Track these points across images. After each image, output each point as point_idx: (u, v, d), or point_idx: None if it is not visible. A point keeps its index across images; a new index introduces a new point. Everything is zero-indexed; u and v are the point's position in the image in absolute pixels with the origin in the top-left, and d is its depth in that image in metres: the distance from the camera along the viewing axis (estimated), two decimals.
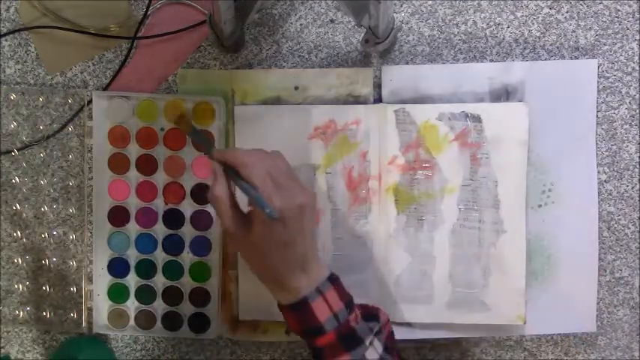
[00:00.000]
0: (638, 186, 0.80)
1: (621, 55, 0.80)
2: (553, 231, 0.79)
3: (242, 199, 0.65)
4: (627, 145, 0.80)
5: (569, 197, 0.79)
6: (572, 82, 0.79)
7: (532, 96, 0.79)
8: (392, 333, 0.69)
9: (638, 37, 0.80)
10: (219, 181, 0.64)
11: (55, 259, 0.82)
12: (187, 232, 0.81)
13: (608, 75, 0.80)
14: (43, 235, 0.82)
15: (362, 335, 0.64)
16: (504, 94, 0.79)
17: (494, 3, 0.80)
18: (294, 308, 0.64)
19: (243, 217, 0.65)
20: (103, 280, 0.81)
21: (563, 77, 0.79)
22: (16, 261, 0.82)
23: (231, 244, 0.67)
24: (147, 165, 0.81)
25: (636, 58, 0.80)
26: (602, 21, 0.80)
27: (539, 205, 0.79)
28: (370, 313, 0.67)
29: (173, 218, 0.81)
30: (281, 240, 0.62)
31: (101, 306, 0.82)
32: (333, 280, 0.66)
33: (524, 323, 0.78)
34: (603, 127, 0.80)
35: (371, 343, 0.64)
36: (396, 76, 0.79)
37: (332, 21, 0.81)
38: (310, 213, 0.65)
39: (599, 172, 0.80)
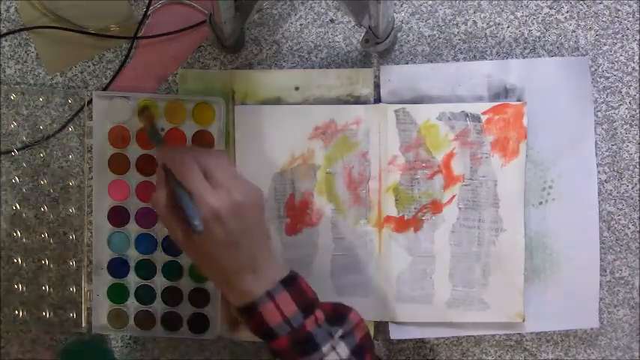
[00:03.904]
0: (638, 186, 0.80)
1: (621, 55, 0.80)
2: (554, 228, 0.79)
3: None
4: (627, 145, 0.80)
5: (569, 194, 0.79)
6: (567, 80, 0.79)
7: (531, 94, 0.79)
8: (367, 334, 0.66)
9: (638, 37, 0.80)
10: (160, 185, 0.62)
11: (54, 260, 0.82)
12: None
13: (608, 75, 0.80)
14: (43, 235, 0.82)
15: (319, 340, 0.61)
16: (503, 93, 0.79)
17: (494, 3, 0.80)
18: (245, 312, 0.62)
19: (186, 220, 0.61)
20: (102, 281, 0.81)
21: (559, 75, 0.79)
22: (16, 261, 0.82)
23: (180, 247, 0.64)
24: (147, 165, 0.81)
25: (636, 58, 0.80)
26: (602, 21, 0.80)
27: (540, 203, 0.79)
28: (338, 315, 0.64)
29: None
30: (223, 241, 0.60)
31: (101, 306, 0.82)
32: (289, 281, 0.63)
33: (523, 321, 0.78)
34: (603, 127, 0.80)
35: (333, 348, 0.61)
36: (395, 76, 0.79)
37: (332, 21, 0.81)
38: (255, 211, 0.63)
39: (599, 172, 0.80)
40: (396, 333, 0.79)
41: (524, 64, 0.79)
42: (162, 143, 0.70)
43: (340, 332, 0.63)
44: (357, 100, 0.80)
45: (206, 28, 0.77)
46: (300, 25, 0.81)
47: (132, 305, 0.82)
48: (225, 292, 0.64)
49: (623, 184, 0.80)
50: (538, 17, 0.80)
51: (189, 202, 0.60)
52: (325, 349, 0.61)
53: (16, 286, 0.82)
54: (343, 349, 0.62)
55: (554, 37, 0.80)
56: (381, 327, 0.80)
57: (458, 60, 0.80)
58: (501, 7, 0.80)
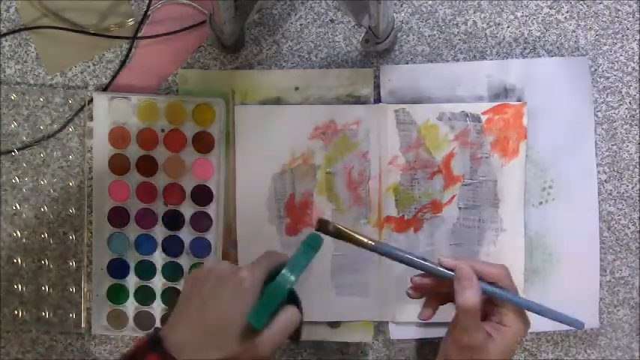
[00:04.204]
0: (638, 186, 0.80)
1: (621, 55, 0.80)
2: (554, 228, 0.79)
3: None
4: (627, 145, 0.80)
5: (569, 194, 0.79)
6: (567, 80, 0.79)
7: (531, 94, 0.79)
8: None
9: (638, 37, 0.80)
10: (472, 288, 0.61)
11: (54, 260, 0.82)
12: (187, 233, 0.81)
13: (608, 75, 0.80)
14: (43, 235, 0.82)
15: None
16: (503, 93, 0.79)
17: (494, 3, 0.80)
18: None
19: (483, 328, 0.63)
20: (102, 281, 0.81)
21: (559, 75, 0.79)
22: (16, 261, 0.82)
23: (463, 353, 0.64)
24: (147, 166, 0.80)
25: (636, 58, 0.80)
26: (602, 21, 0.80)
27: (540, 203, 0.79)
28: None
29: (173, 220, 0.81)
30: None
31: (100, 307, 0.82)
32: None
33: None
34: (603, 127, 0.80)
35: None
36: (394, 76, 0.80)
37: (332, 21, 0.81)
38: None
39: (599, 172, 0.80)
40: (396, 333, 0.79)
41: (524, 64, 0.79)
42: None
43: None
44: (357, 100, 0.80)
45: (206, 28, 0.77)
46: (300, 25, 0.81)
47: (131, 306, 0.82)
48: None
49: (623, 184, 0.80)
50: (538, 17, 0.80)
51: (516, 298, 0.65)
52: None
53: (16, 286, 0.82)
54: None
55: (554, 37, 0.80)
56: (381, 327, 0.80)
57: (458, 60, 0.80)
58: (501, 7, 0.80)
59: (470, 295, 0.61)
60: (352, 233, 0.65)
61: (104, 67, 0.82)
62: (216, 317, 0.59)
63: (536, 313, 0.65)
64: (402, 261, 0.64)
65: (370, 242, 0.65)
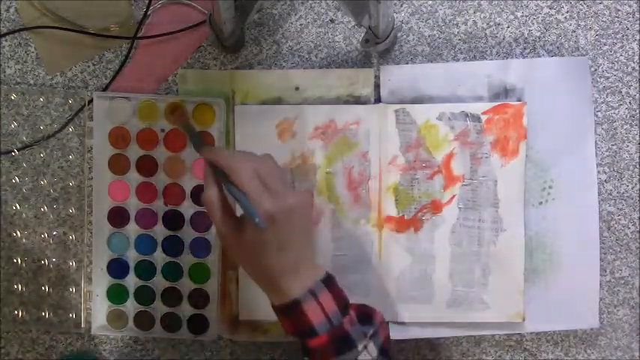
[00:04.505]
0: (638, 186, 0.80)
1: (621, 55, 0.80)
2: (554, 228, 0.79)
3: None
4: (627, 145, 0.80)
5: (569, 194, 0.79)
6: (567, 80, 0.79)
7: (531, 94, 0.79)
8: (389, 334, 0.68)
9: (638, 37, 0.80)
10: (210, 184, 0.63)
11: (54, 260, 0.82)
12: (187, 233, 0.81)
13: (608, 75, 0.80)
14: (43, 235, 0.82)
15: (355, 339, 0.63)
16: (503, 93, 0.79)
17: (494, 3, 0.80)
18: (287, 310, 0.63)
19: (236, 219, 0.64)
20: (102, 281, 0.81)
21: (559, 75, 0.79)
22: (16, 261, 0.82)
23: (224, 246, 0.66)
24: (147, 166, 0.81)
25: (636, 58, 0.80)
26: (602, 21, 0.80)
27: (540, 203, 0.79)
28: (365, 315, 0.66)
29: (173, 219, 0.81)
30: (273, 243, 0.62)
31: (100, 307, 0.82)
32: (328, 281, 0.64)
33: (523, 320, 0.78)
34: (603, 127, 0.80)
35: (365, 347, 0.63)
36: (394, 76, 0.80)
37: (332, 21, 0.81)
38: (303, 214, 0.64)
39: (599, 172, 0.80)
40: (396, 333, 0.79)
41: (524, 64, 0.79)
42: (204, 144, 0.69)
43: (371, 332, 0.64)
44: (358, 101, 0.80)
45: (206, 28, 0.77)
46: (300, 25, 0.81)
47: (131, 306, 0.82)
48: (266, 290, 0.65)
49: (623, 184, 0.80)
50: (538, 17, 0.80)
51: (246, 201, 0.61)
52: (360, 347, 0.63)
53: (16, 286, 0.82)
54: (372, 349, 0.63)
55: (554, 37, 0.80)
56: None
57: (458, 60, 0.80)
58: (501, 7, 0.80)
59: (204, 191, 0.63)
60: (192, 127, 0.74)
61: (104, 67, 0.82)
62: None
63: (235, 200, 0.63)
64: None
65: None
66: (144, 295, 0.81)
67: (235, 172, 0.61)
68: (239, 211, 0.64)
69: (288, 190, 0.63)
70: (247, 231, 0.62)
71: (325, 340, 0.62)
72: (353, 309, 0.65)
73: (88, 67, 0.82)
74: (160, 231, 0.81)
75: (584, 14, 0.80)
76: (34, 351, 0.83)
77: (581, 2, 0.80)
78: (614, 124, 0.80)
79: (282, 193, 0.61)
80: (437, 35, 0.80)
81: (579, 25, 0.80)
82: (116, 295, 0.81)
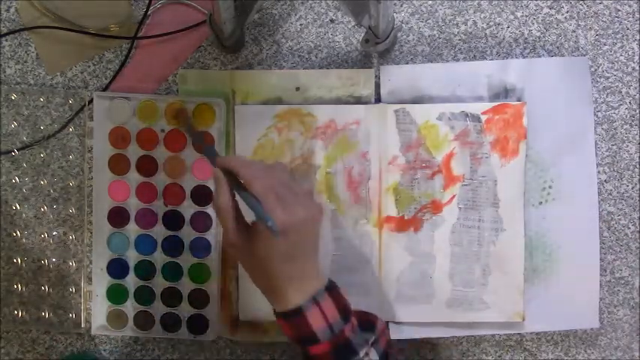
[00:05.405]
0: (638, 186, 0.80)
1: (621, 55, 0.80)
2: (554, 228, 0.79)
3: (247, 210, 0.63)
4: (627, 145, 0.80)
5: (569, 194, 0.79)
6: (567, 80, 0.79)
7: (531, 94, 0.79)
8: (389, 341, 0.68)
9: (638, 37, 0.80)
10: (222, 191, 0.63)
11: (54, 260, 0.82)
12: (187, 233, 0.81)
13: (608, 75, 0.80)
14: (43, 235, 0.82)
15: (356, 347, 0.63)
16: (503, 93, 0.79)
17: (494, 3, 0.80)
18: (289, 316, 0.63)
19: (246, 228, 0.64)
20: (102, 281, 0.81)
21: (559, 75, 0.79)
22: (16, 261, 0.82)
23: (233, 254, 0.66)
24: (147, 166, 0.81)
25: (636, 58, 0.80)
26: (602, 21, 0.80)
27: (540, 203, 0.79)
28: (367, 322, 0.66)
29: (173, 219, 0.81)
30: (283, 254, 0.62)
31: (100, 307, 0.82)
32: (331, 288, 0.65)
33: (523, 320, 0.78)
34: (603, 127, 0.80)
35: (366, 354, 0.63)
36: (395, 76, 0.80)
37: (332, 21, 0.81)
38: (314, 227, 0.64)
39: (599, 172, 0.80)
40: (396, 333, 0.79)
41: (524, 64, 0.79)
42: (216, 153, 0.69)
43: (372, 339, 0.64)
44: (358, 101, 0.80)
45: (206, 28, 0.77)
46: (300, 25, 0.81)
47: (131, 306, 0.81)
48: (270, 298, 0.65)
49: (623, 184, 0.80)
50: (538, 17, 0.80)
51: (261, 209, 0.61)
52: (361, 354, 0.63)
53: (16, 286, 0.82)
54: (374, 355, 0.64)
55: (554, 37, 0.80)
56: None
57: (458, 60, 0.80)
58: (501, 7, 0.80)
59: (215, 197, 0.64)
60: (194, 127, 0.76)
61: (104, 67, 0.82)
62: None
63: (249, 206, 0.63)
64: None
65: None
66: (144, 295, 0.81)
67: (251, 182, 0.62)
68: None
69: (300, 202, 0.63)
70: (257, 239, 0.62)
71: (327, 347, 0.62)
72: (355, 316, 0.65)
73: (88, 67, 0.82)
74: (159, 231, 0.81)
75: (584, 14, 0.80)
76: (34, 351, 0.83)
77: (581, 2, 0.80)
78: (614, 124, 0.80)
79: (294, 206, 0.62)
80: (437, 35, 0.80)
81: (579, 25, 0.80)
82: (116, 295, 0.81)
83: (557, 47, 0.80)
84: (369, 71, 0.80)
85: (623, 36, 0.80)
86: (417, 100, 0.79)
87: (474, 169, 0.78)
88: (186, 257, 0.81)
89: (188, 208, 0.81)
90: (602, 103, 0.80)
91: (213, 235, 0.80)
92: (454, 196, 0.78)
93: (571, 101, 0.79)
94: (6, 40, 0.82)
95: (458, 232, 0.78)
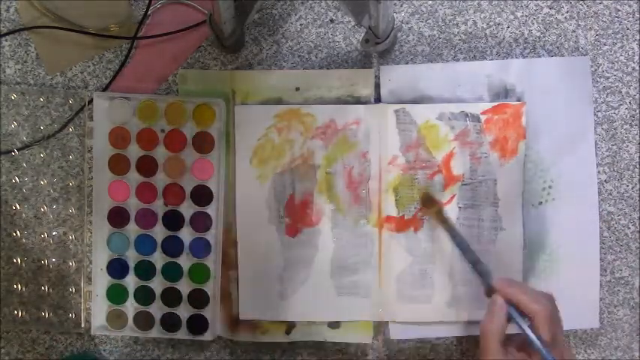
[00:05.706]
0: (638, 186, 0.80)
1: (621, 55, 0.80)
2: (554, 228, 0.79)
3: None
4: (627, 145, 0.80)
5: (569, 194, 0.79)
6: (567, 80, 0.79)
7: (531, 94, 0.79)
8: None
9: (638, 37, 0.80)
10: (497, 315, 0.63)
11: (54, 260, 0.82)
12: (187, 233, 0.81)
13: (608, 75, 0.80)
14: (43, 235, 0.82)
15: None
16: (503, 93, 0.79)
17: (494, 3, 0.80)
18: None
19: (504, 351, 0.63)
20: (102, 281, 0.81)
21: (559, 75, 0.79)
22: (16, 261, 0.82)
23: None
24: (147, 166, 0.80)
25: (636, 58, 0.80)
26: (602, 21, 0.80)
27: (540, 202, 0.79)
28: None
29: (173, 220, 0.81)
30: None
31: (100, 307, 0.81)
32: None
33: None
34: (603, 127, 0.80)
35: None
36: (395, 76, 0.80)
37: (332, 21, 0.81)
38: None
39: (599, 172, 0.80)
40: (396, 333, 0.79)
41: (524, 64, 0.79)
42: (491, 277, 0.69)
43: None
44: (358, 101, 0.80)
45: (206, 28, 0.77)
46: (300, 25, 0.81)
47: (131, 306, 0.81)
48: None
49: (623, 184, 0.80)
50: (538, 17, 0.80)
51: (539, 344, 0.61)
52: None
53: (15, 286, 0.82)
54: None
55: (554, 37, 0.80)
56: (381, 327, 0.80)
57: (458, 60, 0.80)
58: (501, 7, 0.80)
59: (488, 321, 0.63)
60: (448, 221, 0.75)
61: (104, 67, 0.82)
62: None
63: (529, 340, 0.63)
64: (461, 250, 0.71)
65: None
66: (143, 296, 0.81)
67: (536, 317, 0.62)
68: None
69: (564, 342, 0.63)
70: None
71: None
72: None
73: (88, 67, 0.82)
74: (159, 231, 0.81)
75: (584, 14, 0.80)
76: (34, 351, 0.83)
77: (581, 2, 0.80)
78: (614, 124, 0.80)
79: (562, 346, 0.62)
80: (437, 35, 0.80)
81: (579, 25, 0.80)
82: (116, 295, 0.81)
83: (557, 47, 0.80)
84: (369, 71, 0.80)
85: (623, 36, 0.80)
86: (417, 100, 0.79)
87: (473, 169, 0.78)
88: (186, 257, 0.81)
89: (188, 209, 0.81)
90: (602, 103, 0.80)
91: (213, 236, 0.80)
92: (454, 196, 0.78)
93: (571, 101, 0.79)
94: (6, 40, 0.82)
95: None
